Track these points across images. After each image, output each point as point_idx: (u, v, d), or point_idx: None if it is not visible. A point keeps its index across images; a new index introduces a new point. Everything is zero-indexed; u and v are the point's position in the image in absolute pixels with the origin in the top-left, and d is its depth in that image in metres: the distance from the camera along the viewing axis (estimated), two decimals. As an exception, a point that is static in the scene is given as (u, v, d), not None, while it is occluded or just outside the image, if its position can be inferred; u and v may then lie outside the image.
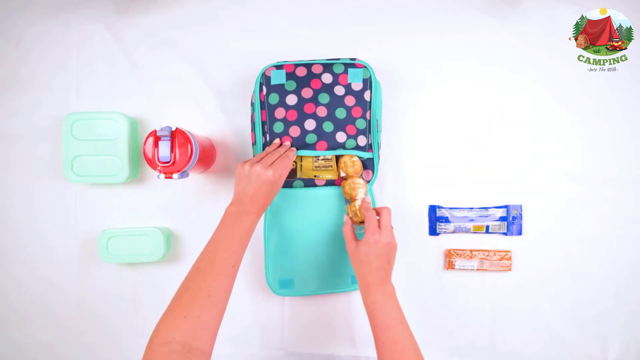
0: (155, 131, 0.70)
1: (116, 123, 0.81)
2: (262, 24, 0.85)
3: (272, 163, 0.71)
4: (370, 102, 0.77)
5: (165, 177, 0.71)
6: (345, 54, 0.83)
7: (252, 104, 0.79)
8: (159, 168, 0.71)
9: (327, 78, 0.77)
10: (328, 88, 0.77)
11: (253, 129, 0.79)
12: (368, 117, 0.77)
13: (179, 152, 0.71)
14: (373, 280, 0.68)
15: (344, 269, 0.82)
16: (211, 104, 0.86)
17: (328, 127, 0.77)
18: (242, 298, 0.85)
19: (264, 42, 0.85)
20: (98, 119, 0.81)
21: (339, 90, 0.77)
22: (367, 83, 0.77)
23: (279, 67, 0.78)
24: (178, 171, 0.71)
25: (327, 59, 0.78)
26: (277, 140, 0.77)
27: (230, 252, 0.65)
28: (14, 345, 0.86)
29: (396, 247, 0.71)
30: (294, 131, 0.77)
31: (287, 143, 0.76)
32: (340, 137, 0.77)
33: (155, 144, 0.71)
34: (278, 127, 0.77)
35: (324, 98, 0.77)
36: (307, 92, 0.77)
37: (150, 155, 0.71)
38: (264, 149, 0.79)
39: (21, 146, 0.86)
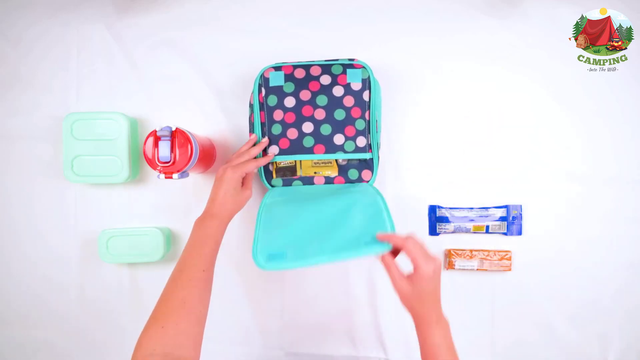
0: (155, 131, 0.70)
1: (116, 123, 0.81)
2: (262, 24, 0.85)
3: (239, 164, 0.72)
4: (369, 102, 0.77)
5: (165, 177, 0.71)
6: (345, 54, 0.83)
7: (251, 105, 0.79)
8: (159, 168, 0.71)
9: (325, 79, 0.77)
10: (326, 89, 0.77)
11: (252, 130, 0.79)
12: (367, 118, 0.77)
13: (179, 152, 0.71)
14: (434, 317, 0.59)
15: (356, 229, 0.64)
16: (211, 104, 0.86)
17: (326, 129, 0.77)
18: (242, 298, 0.85)
19: (264, 42, 0.85)
20: (98, 119, 0.81)
21: (338, 91, 0.77)
22: (366, 83, 0.77)
23: (277, 68, 0.78)
24: (178, 171, 0.71)
25: (326, 60, 0.78)
26: (253, 137, 0.77)
27: (198, 257, 0.64)
28: (14, 345, 0.86)
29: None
30: (292, 133, 0.77)
31: (265, 140, 0.77)
32: (339, 139, 0.77)
33: (155, 144, 0.71)
34: (276, 129, 0.77)
35: (322, 100, 0.77)
36: (305, 95, 0.77)
37: (150, 155, 0.71)
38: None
39: (21, 146, 0.86)
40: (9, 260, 0.86)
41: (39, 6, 0.86)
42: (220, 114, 0.86)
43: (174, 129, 0.71)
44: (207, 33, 0.86)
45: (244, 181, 0.74)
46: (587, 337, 0.84)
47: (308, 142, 0.77)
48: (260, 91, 0.77)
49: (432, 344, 0.59)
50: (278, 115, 0.77)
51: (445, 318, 0.61)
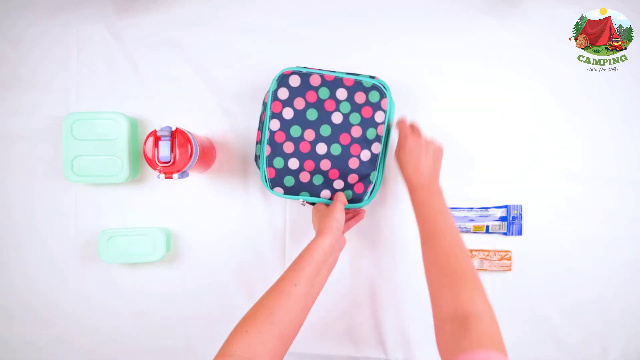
0: (155, 131, 0.70)
1: (116, 123, 0.81)
2: (262, 24, 0.85)
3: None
4: (384, 121, 0.75)
5: (165, 177, 0.71)
6: (345, 54, 0.83)
7: (264, 103, 0.76)
8: (158, 168, 0.71)
9: (344, 108, 0.75)
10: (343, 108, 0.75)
11: (260, 128, 0.76)
12: (380, 133, 0.75)
13: (179, 152, 0.71)
14: (425, 184, 0.70)
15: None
16: (211, 104, 0.86)
17: (336, 149, 0.75)
18: (242, 298, 0.85)
19: (264, 42, 0.85)
20: (98, 119, 0.81)
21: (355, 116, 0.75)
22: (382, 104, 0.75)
23: (300, 74, 0.74)
24: (178, 171, 0.71)
25: (352, 83, 0.74)
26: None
27: (292, 270, 0.64)
28: (14, 345, 0.86)
29: (442, 150, 0.75)
30: (304, 147, 0.75)
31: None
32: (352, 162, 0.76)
33: (155, 144, 0.71)
34: (288, 147, 0.75)
35: (337, 118, 0.75)
36: (321, 112, 0.75)
37: (150, 155, 0.71)
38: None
39: (21, 146, 0.86)
40: (8, 260, 0.86)
41: (39, 6, 0.86)
42: (220, 114, 0.86)
43: (174, 129, 0.71)
44: (207, 33, 0.86)
45: (332, 205, 0.74)
46: (587, 337, 0.84)
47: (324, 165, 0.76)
48: (275, 98, 0.74)
49: (415, 202, 0.70)
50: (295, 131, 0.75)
51: (439, 186, 0.71)
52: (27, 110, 0.86)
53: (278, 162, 0.75)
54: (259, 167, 0.76)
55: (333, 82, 0.74)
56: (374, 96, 0.74)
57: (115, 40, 0.86)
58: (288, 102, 0.74)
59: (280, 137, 0.75)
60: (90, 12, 0.86)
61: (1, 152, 0.86)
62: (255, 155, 0.77)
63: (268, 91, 0.76)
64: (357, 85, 0.74)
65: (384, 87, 0.75)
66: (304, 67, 0.75)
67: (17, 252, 0.86)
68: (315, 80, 0.74)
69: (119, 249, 0.82)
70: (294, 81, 0.74)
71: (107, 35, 0.86)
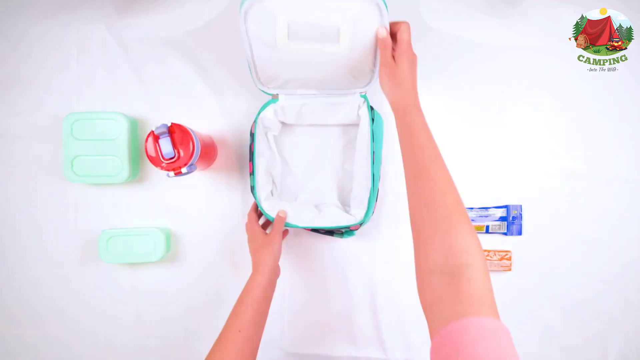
0: (153, 131, 0.70)
1: (116, 123, 0.81)
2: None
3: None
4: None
5: (175, 174, 0.71)
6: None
7: (252, 134, 0.78)
8: (163, 165, 0.71)
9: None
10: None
11: (251, 159, 0.78)
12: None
13: (181, 146, 0.71)
14: (410, 101, 0.62)
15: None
16: (211, 104, 0.86)
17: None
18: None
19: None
20: (98, 119, 0.81)
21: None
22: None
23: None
24: (185, 164, 0.71)
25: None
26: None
27: (235, 317, 0.65)
28: (14, 344, 0.86)
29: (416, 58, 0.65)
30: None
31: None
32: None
33: (156, 143, 0.71)
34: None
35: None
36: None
37: (152, 153, 0.71)
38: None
39: (21, 146, 0.86)
40: (8, 260, 0.86)
41: (39, 6, 0.86)
42: (220, 114, 0.86)
43: (169, 124, 0.71)
44: (207, 33, 0.86)
45: (271, 235, 0.74)
46: (587, 337, 0.84)
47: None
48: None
49: (409, 122, 0.60)
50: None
51: (420, 107, 0.63)
52: (27, 110, 0.86)
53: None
54: (255, 197, 0.77)
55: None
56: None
57: (115, 40, 0.86)
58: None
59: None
60: (90, 12, 0.86)
61: (1, 152, 0.86)
62: (251, 186, 0.77)
63: (254, 121, 0.76)
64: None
65: (368, 106, 0.77)
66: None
67: (17, 252, 0.86)
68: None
69: (118, 249, 0.82)
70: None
71: (107, 35, 0.86)
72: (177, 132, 0.71)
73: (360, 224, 0.76)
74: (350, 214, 0.77)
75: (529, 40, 0.84)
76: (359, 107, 0.78)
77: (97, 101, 0.86)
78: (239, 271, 0.85)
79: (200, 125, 0.85)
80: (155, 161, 0.71)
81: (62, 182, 0.85)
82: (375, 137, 0.76)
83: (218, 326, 0.70)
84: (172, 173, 0.70)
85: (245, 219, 0.80)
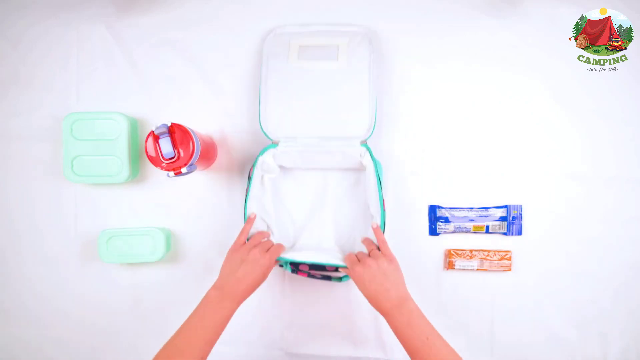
0: (152, 131, 0.70)
1: (116, 123, 0.81)
2: (261, 24, 0.85)
3: (269, 249, 0.73)
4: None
5: (175, 174, 0.70)
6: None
7: (249, 178, 0.78)
8: (163, 165, 0.70)
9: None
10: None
11: (245, 202, 0.78)
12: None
13: (181, 146, 0.71)
14: (388, 307, 0.66)
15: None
16: (211, 104, 0.86)
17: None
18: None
19: (264, 42, 0.85)
20: (98, 119, 0.81)
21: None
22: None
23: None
24: (185, 164, 0.71)
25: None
26: (252, 216, 0.77)
27: (203, 342, 0.64)
28: (14, 344, 0.86)
29: (396, 259, 0.71)
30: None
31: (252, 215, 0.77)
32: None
33: (156, 143, 0.71)
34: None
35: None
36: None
37: (152, 153, 0.71)
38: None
39: (21, 146, 0.86)
40: (8, 260, 0.86)
41: (39, 6, 0.86)
42: (220, 114, 0.86)
43: (169, 124, 0.71)
44: (207, 33, 0.86)
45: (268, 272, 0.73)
46: (587, 337, 0.84)
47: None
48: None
49: (393, 328, 0.65)
50: None
51: (410, 303, 0.67)
52: (27, 110, 0.86)
53: None
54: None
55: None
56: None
57: (115, 40, 0.86)
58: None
59: None
60: (90, 12, 0.86)
61: (1, 152, 0.86)
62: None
63: (252, 165, 0.76)
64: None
65: (371, 157, 0.77)
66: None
67: (17, 252, 0.86)
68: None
69: (118, 249, 0.82)
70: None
71: (107, 35, 0.86)
72: (177, 132, 0.71)
73: None
74: None
75: (529, 40, 0.84)
76: (361, 156, 0.77)
77: (97, 101, 0.86)
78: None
79: (201, 125, 0.85)
80: (155, 161, 0.71)
81: (61, 182, 0.85)
82: (381, 184, 0.76)
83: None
84: (172, 173, 0.70)
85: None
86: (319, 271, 0.79)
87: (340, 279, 0.80)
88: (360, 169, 0.80)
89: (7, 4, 0.86)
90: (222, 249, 0.86)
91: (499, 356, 0.84)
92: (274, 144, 0.79)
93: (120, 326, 0.86)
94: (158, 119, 0.85)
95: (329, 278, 0.80)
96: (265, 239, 0.77)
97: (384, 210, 0.75)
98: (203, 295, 0.76)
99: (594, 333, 0.84)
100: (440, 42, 0.85)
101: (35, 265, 0.86)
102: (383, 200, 0.76)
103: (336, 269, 0.76)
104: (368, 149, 0.77)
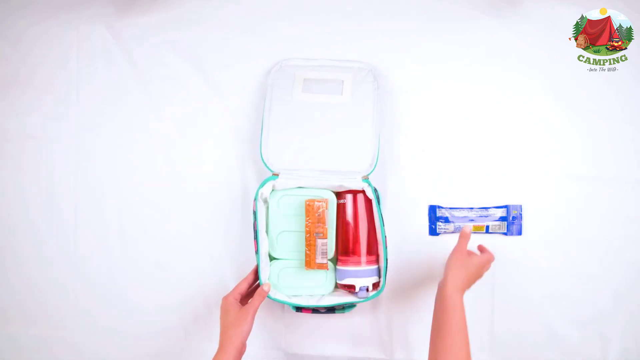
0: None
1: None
2: (261, 24, 0.85)
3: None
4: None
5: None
6: (344, 54, 0.83)
7: (254, 212, 0.76)
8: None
9: None
10: None
11: (255, 237, 0.76)
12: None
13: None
14: (459, 286, 0.69)
15: None
16: (211, 103, 0.86)
17: None
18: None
19: (264, 42, 0.85)
20: (302, 195, 0.78)
21: None
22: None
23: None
24: None
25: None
26: (254, 267, 0.76)
27: None
28: (14, 343, 0.86)
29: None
30: None
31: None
32: None
33: None
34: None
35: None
36: None
37: None
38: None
39: (21, 146, 0.86)
40: (7, 261, 0.86)
41: (39, 6, 0.86)
42: (220, 114, 0.86)
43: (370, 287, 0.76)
44: (207, 33, 0.86)
45: (245, 311, 0.70)
46: (587, 337, 0.84)
47: None
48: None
49: (455, 299, 0.68)
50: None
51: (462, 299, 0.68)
52: (27, 110, 0.86)
53: None
54: (259, 278, 0.75)
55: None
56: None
57: (115, 40, 0.86)
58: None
59: None
60: (90, 12, 0.86)
61: (1, 152, 0.86)
62: (256, 264, 0.76)
63: (254, 199, 0.76)
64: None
65: (376, 194, 0.76)
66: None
67: (16, 252, 0.86)
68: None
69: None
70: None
71: (107, 35, 0.86)
72: None
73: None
74: None
75: (529, 40, 0.84)
76: (363, 190, 0.77)
77: (97, 101, 0.86)
78: (240, 271, 0.85)
79: (200, 125, 0.85)
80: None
81: (61, 182, 0.85)
82: (383, 221, 0.76)
83: (218, 326, 0.70)
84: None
85: (246, 219, 0.80)
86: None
87: (343, 310, 0.80)
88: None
89: (7, 4, 0.86)
90: (222, 249, 0.86)
91: (498, 356, 0.84)
92: (275, 175, 0.78)
93: (119, 326, 0.86)
94: (158, 119, 0.86)
95: (333, 310, 0.79)
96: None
97: (386, 247, 0.75)
98: (202, 295, 0.77)
99: (594, 333, 0.84)
100: (440, 42, 0.85)
101: (34, 265, 0.86)
102: (385, 237, 0.75)
103: (343, 307, 0.78)
104: (370, 184, 0.77)
